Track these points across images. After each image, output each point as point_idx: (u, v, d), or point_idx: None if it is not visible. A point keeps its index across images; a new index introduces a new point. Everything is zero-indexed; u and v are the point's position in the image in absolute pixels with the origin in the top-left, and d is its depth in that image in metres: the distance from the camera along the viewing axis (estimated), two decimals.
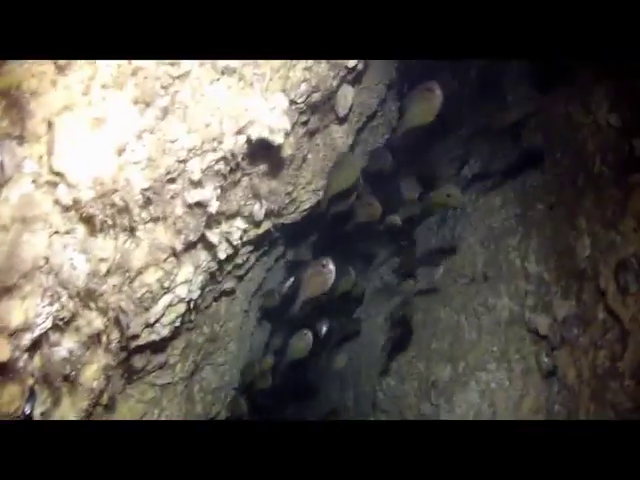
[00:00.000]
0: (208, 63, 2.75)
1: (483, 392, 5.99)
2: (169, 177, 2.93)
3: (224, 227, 3.92)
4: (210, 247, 3.85)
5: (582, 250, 5.05)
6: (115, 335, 3.55)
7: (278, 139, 2.91)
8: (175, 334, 4.67)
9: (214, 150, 2.92)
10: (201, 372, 6.03)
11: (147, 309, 3.74)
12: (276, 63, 3.04)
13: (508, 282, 6.15)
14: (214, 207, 3.19)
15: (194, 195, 3.14)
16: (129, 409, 4.61)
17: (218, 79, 2.80)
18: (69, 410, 3.53)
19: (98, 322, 3.26)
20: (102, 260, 2.92)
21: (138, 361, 4.38)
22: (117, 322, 3.40)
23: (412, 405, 7.10)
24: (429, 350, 7.04)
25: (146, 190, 2.83)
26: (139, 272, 3.37)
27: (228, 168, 3.14)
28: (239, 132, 2.87)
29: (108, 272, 3.02)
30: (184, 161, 2.90)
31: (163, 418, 5.03)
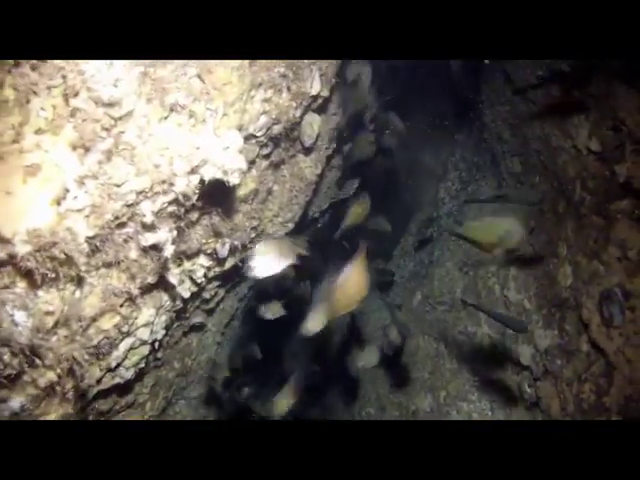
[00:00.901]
0: (156, 100, 2.57)
1: None
2: (118, 222, 2.74)
3: (187, 265, 3.74)
4: (171, 287, 3.66)
5: (564, 279, 4.89)
6: (70, 384, 3.37)
7: (233, 179, 2.73)
8: (141, 374, 4.49)
9: (165, 192, 2.73)
10: (174, 407, 5.83)
11: (105, 355, 3.54)
12: (230, 97, 2.86)
13: (488, 309, 6.00)
14: (169, 250, 3.00)
15: (148, 238, 2.95)
16: None
17: (166, 117, 2.61)
18: None
19: (50, 375, 3.06)
20: (48, 314, 2.72)
21: (103, 404, 4.20)
22: (71, 372, 3.21)
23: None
24: (409, 379, 6.86)
25: (92, 238, 2.64)
26: (93, 320, 3.18)
27: (183, 209, 2.96)
28: (191, 172, 2.68)
29: (56, 325, 2.83)
30: (134, 204, 2.71)
31: None
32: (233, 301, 6.02)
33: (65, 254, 2.47)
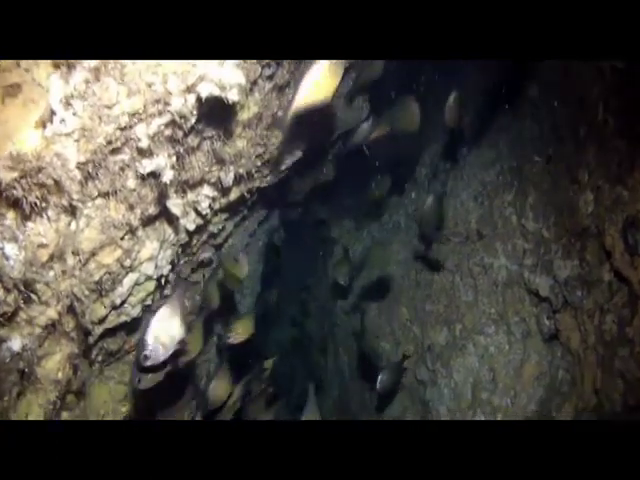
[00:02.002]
0: None
1: (482, 356, 5.68)
2: (112, 147, 2.55)
3: (190, 196, 3.56)
4: (175, 219, 3.49)
5: (585, 206, 4.65)
6: (73, 323, 3.25)
7: (232, 96, 2.50)
8: (149, 311, 4.38)
9: (160, 113, 2.53)
10: None
11: (109, 291, 3.41)
12: None
13: (504, 240, 5.79)
14: (169, 176, 2.81)
15: (145, 165, 2.76)
16: (109, 392, 4.34)
17: None
18: (34, 403, 3.26)
19: (50, 312, 2.94)
20: (41, 246, 2.57)
21: (112, 343, 4.10)
22: (72, 310, 3.09)
23: (408, 370, 6.83)
24: (424, 313, 6.73)
25: (84, 164, 2.46)
26: (92, 254, 3.03)
27: (181, 133, 2.76)
28: (188, 90, 2.46)
29: (52, 259, 2.68)
30: (127, 128, 2.52)
31: None
32: (243, 236, 5.87)
33: (54, 181, 2.29)
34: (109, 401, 4.33)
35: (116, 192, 2.84)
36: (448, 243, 6.44)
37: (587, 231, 4.65)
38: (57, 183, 2.33)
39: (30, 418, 3.24)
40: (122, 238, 3.14)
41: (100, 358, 4.08)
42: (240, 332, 4.65)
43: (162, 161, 2.80)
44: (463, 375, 5.82)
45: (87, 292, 3.02)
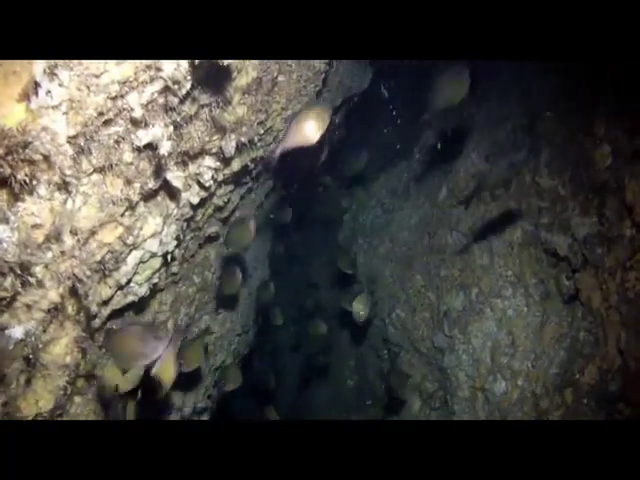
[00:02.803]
0: None
1: (500, 320, 5.54)
2: (104, 119, 2.40)
3: (192, 168, 3.42)
4: (177, 193, 3.35)
5: (602, 160, 4.47)
6: (78, 305, 3.14)
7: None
8: (157, 291, 4.27)
9: (152, 80, 2.38)
10: (199, 324, 5.66)
11: (112, 271, 3.29)
12: None
13: (519, 200, 5.61)
14: (166, 147, 2.68)
15: (141, 136, 2.62)
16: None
17: None
18: (43, 390, 3.17)
19: (52, 295, 2.82)
20: (35, 227, 2.44)
21: (121, 324, 3.98)
22: (74, 292, 2.97)
23: (425, 337, 6.72)
24: (439, 278, 6.59)
25: (75, 138, 2.32)
26: (92, 232, 2.90)
27: (176, 100, 2.60)
28: None
29: (48, 239, 2.55)
30: (118, 97, 2.37)
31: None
32: (250, 209, 5.73)
33: (44, 156, 2.15)
34: (122, 382, 4.24)
35: (112, 167, 2.70)
36: (460, 205, 6.27)
37: (606, 186, 4.48)
38: (47, 159, 2.19)
39: (40, 405, 3.16)
40: (122, 215, 3.01)
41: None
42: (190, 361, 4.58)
43: (158, 131, 2.66)
44: (481, 340, 5.70)
45: (89, 273, 2.89)
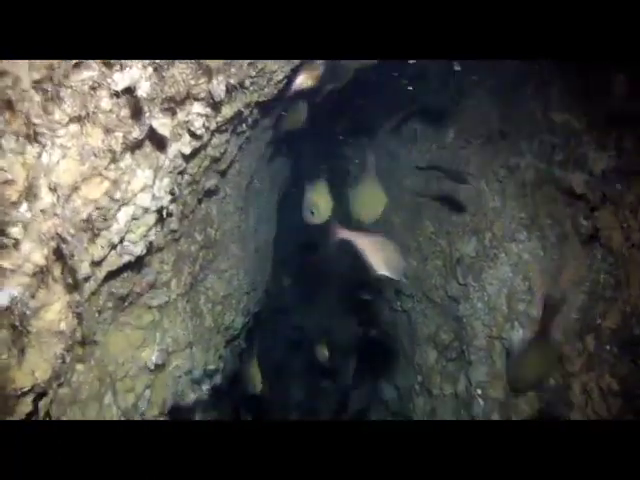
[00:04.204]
0: None
1: (515, 265, 5.32)
2: (73, 61, 2.17)
3: (180, 116, 3.18)
4: (165, 142, 3.13)
5: (619, 87, 4.17)
6: (68, 267, 2.95)
7: None
8: (155, 249, 4.08)
9: None
10: (204, 283, 5.49)
11: (102, 229, 3.09)
12: None
13: (530, 137, 5.33)
14: (145, 90, 2.44)
15: (117, 80, 2.38)
16: (126, 338, 4.10)
17: None
18: (39, 359, 3.01)
19: (36, 257, 2.63)
20: (7, 183, 2.23)
21: (120, 287, 3.83)
22: (60, 252, 2.77)
23: (438, 286, 6.53)
24: (449, 224, 6.36)
25: (40, 82, 2.08)
26: (75, 188, 2.69)
27: None
28: None
29: (25, 196, 2.34)
30: None
31: (168, 340, 4.54)
32: (249, 160, 5.50)
33: (5, 103, 1.92)
34: (127, 347, 4.10)
35: (90, 115, 2.46)
36: (469, 146, 5.99)
37: (623, 115, 4.19)
38: (10, 105, 1.96)
39: (37, 375, 3.01)
40: (107, 168, 2.79)
41: (111, 304, 3.82)
42: None
43: (136, 73, 2.42)
44: (497, 287, 5.49)
45: (72, 230, 2.68)
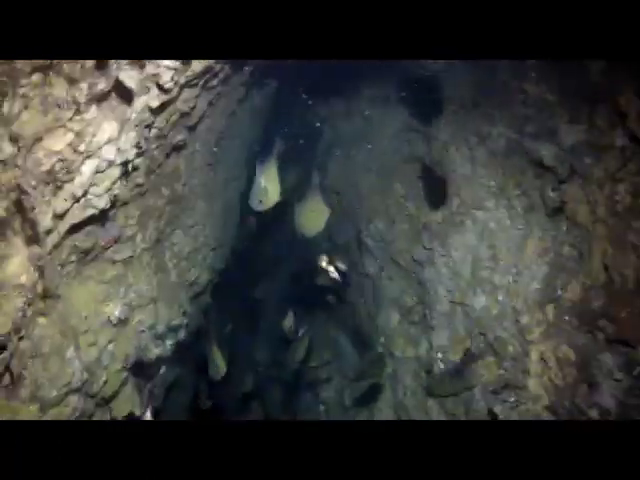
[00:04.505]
0: None
1: (481, 233, 5.34)
2: None
3: (149, 69, 3.09)
4: (132, 95, 3.04)
5: (595, 63, 4.15)
6: (30, 220, 2.88)
7: None
8: (120, 203, 4.01)
9: None
10: (170, 238, 5.43)
11: (65, 182, 3.02)
12: None
13: (502, 107, 5.30)
14: None
15: None
16: (89, 292, 4.05)
17: None
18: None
19: None
20: None
21: (84, 241, 3.76)
22: (20, 205, 2.70)
23: (403, 250, 6.55)
24: (418, 188, 6.36)
25: None
26: (37, 139, 2.61)
27: None
28: None
29: None
30: None
31: (132, 294, 4.50)
32: (220, 117, 5.40)
33: None
34: (90, 301, 4.04)
35: (52, 64, 2.38)
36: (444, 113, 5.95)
37: (597, 91, 4.20)
38: None
39: None
40: (71, 119, 2.71)
41: (74, 258, 3.76)
42: None
43: None
44: (461, 253, 5.53)
45: (35, 183, 2.62)
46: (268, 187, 4.57)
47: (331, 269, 5.49)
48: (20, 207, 2.68)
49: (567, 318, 4.26)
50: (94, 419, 4.03)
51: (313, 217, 4.77)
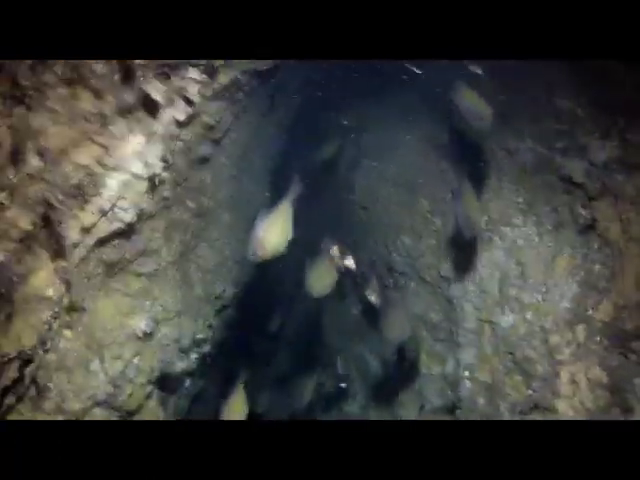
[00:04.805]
0: None
1: (509, 250, 5.26)
2: None
3: (174, 81, 3.09)
4: (159, 107, 3.04)
5: (629, 77, 4.06)
6: (56, 233, 2.89)
7: None
8: (147, 216, 4.01)
9: None
10: (195, 251, 5.42)
11: (93, 196, 3.02)
12: None
13: (532, 121, 5.22)
14: None
15: None
16: (115, 305, 4.05)
17: None
18: (25, 325, 2.97)
19: (23, 222, 2.57)
20: None
21: (111, 253, 3.77)
22: (48, 218, 2.71)
23: (431, 266, 6.47)
24: (445, 203, 6.27)
25: None
26: (63, 152, 2.61)
27: None
28: None
29: (9, 160, 2.27)
30: None
31: (157, 307, 4.49)
32: (246, 130, 5.40)
33: None
34: (116, 315, 4.05)
35: (80, 77, 2.38)
36: (469, 127, 5.87)
37: (630, 105, 4.10)
38: None
39: (23, 342, 2.97)
40: (97, 132, 2.71)
41: (100, 270, 3.77)
42: None
43: None
44: (489, 270, 5.44)
45: (62, 197, 2.62)
46: (267, 236, 4.01)
47: (342, 259, 5.21)
48: (47, 221, 2.69)
49: (598, 339, 4.15)
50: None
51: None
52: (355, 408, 8.75)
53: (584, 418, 3.95)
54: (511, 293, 5.12)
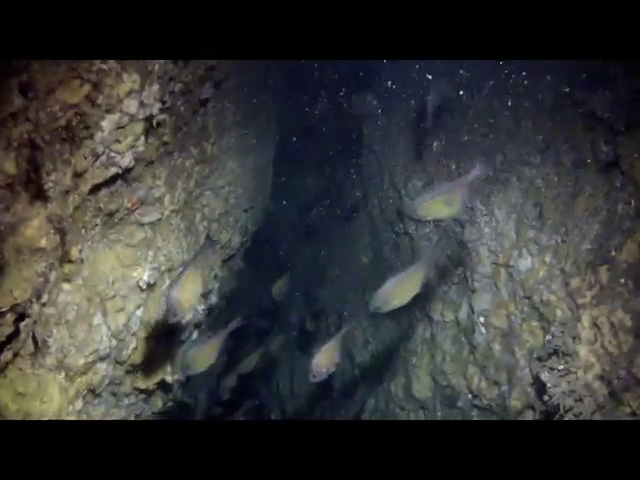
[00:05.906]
0: None
1: (526, 190, 5.02)
2: None
3: None
4: None
5: None
6: (44, 179, 2.69)
7: None
8: (145, 162, 3.82)
9: None
10: (199, 199, 5.24)
11: (84, 138, 2.82)
12: None
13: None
14: None
15: None
16: (116, 256, 3.88)
17: None
18: (18, 277, 2.81)
19: (7, 167, 2.39)
20: None
21: (109, 202, 3.59)
22: (33, 162, 2.51)
23: None
24: (459, 143, 6.04)
25: None
26: (50, 90, 2.40)
27: None
28: None
29: None
30: None
31: (161, 258, 4.33)
32: (250, 74, 5.16)
33: None
34: (118, 266, 3.88)
35: None
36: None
37: None
38: None
39: (16, 294, 2.82)
40: (87, 69, 2.49)
41: (99, 220, 3.59)
42: None
43: None
44: (505, 212, 5.23)
45: (48, 137, 2.42)
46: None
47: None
48: (35, 165, 2.49)
49: (622, 281, 3.95)
50: (100, 414, 3.97)
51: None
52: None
53: (584, 419, 3.81)
54: (529, 235, 4.92)
